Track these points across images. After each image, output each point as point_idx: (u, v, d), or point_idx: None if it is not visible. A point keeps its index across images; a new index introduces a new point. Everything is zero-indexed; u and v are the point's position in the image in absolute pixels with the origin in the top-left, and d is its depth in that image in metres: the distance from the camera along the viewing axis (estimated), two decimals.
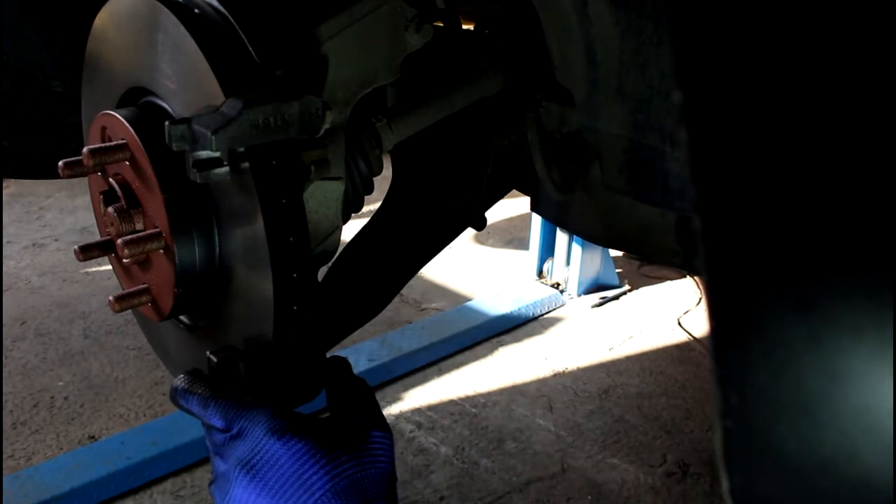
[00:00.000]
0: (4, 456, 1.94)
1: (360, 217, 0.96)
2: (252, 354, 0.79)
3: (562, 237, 2.85)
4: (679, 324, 2.71)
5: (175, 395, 0.75)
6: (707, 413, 2.19)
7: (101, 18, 0.84)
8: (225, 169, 0.69)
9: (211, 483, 0.73)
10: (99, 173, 0.83)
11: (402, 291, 1.08)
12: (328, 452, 0.69)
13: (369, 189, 0.91)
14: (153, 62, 0.77)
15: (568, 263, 2.84)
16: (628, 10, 0.84)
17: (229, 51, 0.72)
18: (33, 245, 3.25)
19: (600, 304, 2.82)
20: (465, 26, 1.04)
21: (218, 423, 0.72)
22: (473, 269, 3.10)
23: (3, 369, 2.30)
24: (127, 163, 0.78)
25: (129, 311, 0.88)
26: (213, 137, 0.65)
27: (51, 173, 0.92)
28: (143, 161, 0.76)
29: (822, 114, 0.37)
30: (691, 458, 2.00)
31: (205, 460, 1.92)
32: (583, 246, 2.78)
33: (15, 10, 1.18)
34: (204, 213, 0.77)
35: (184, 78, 0.74)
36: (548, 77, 0.98)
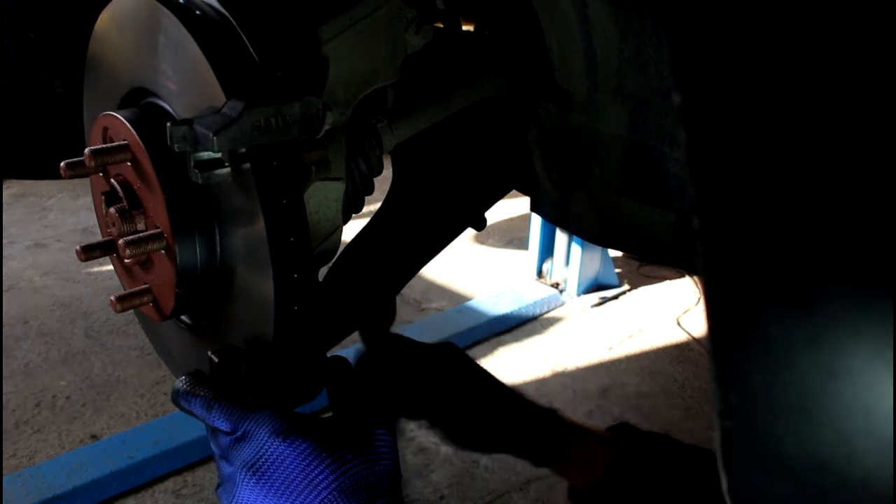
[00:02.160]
0: (7, 455, 1.94)
1: (360, 217, 0.96)
2: (253, 354, 0.79)
3: (561, 237, 2.85)
4: (678, 323, 2.71)
5: (177, 398, 0.75)
6: (707, 413, 2.19)
7: (103, 19, 0.84)
8: (226, 170, 0.70)
9: (218, 486, 0.74)
10: (101, 174, 0.83)
11: (403, 291, 1.09)
12: (333, 451, 0.69)
13: (369, 189, 0.91)
14: (154, 63, 0.77)
15: (567, 263, 2.84)
16: (628, 11, 0.84)
17: (230, 52, 0.72)
18: (35, 245, 3.25)
19: (600, 304, 2.82)
20: (465, 27, 1.04)
21: (222, 425, 0.72)
22: (473, 269, 3.10)
23: (6, 369, 2.30)
24: (128, 163, 0.78)
25: (131, 310, 0.88)
26: (215, 139, 0.66)
27: (53, 174, 0.92)
28: (145, 162, 0.76)
29: (821, 115, 0.37)
30: None
31: (206, 459, 1.92)
32: (582, 246, 2.78)
33: (15, 10, 1.18)
34: (205, 213, 0.77)
35: (185, 79, 0.74)
36: (547, 78, 0.98)
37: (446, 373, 1.03)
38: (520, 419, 1.04)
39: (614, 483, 1.01)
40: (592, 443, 1.06)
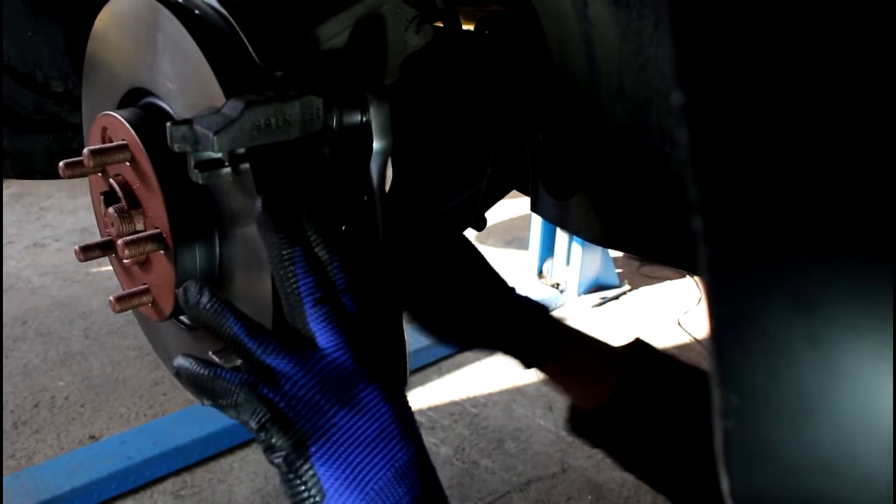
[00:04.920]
0: (5, 455, 1.94)
1: None
2: None
3: (562, 237, 2.85)
4: (679, 324, 2.71)
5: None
6: None
7: (102, 19, 0.84)
8: (227, 170, 0.70)
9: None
10: (99, 174, 0.83)
11: None
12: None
13: None
14: (153, 63, 0.77)
15: (568, 263, 2.84)
16: (628, 10, 0.84)
17: (230, 52, 0.72)
18: (34, 245, 3.25)
19: (600, 304, 2.83)
20: (465, 27, 1.04)
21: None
22: None
23: (4, 369, 2.30)
24: (127, 163, 0.78)
25: (130, 311, 0.88)
26: (215, 139, 0.66)
27: (51, 174, 0.92)
28: (144, 162, 0.76)
29: (822, 113, 0.37)
30: None
31: (205, 460, 1.92)
32: (583, 246, 2.78)
33: (16, 10, 1.18)
34: (204, 213, 0.77)
35: (184, 79, 0.74)
36: (548, 78, 0.98)
37: (432, 258, 0.96)
38: (505, 312, 0.97)
39: (622, 405, 0.92)
40: (598, 356, 0.97)
